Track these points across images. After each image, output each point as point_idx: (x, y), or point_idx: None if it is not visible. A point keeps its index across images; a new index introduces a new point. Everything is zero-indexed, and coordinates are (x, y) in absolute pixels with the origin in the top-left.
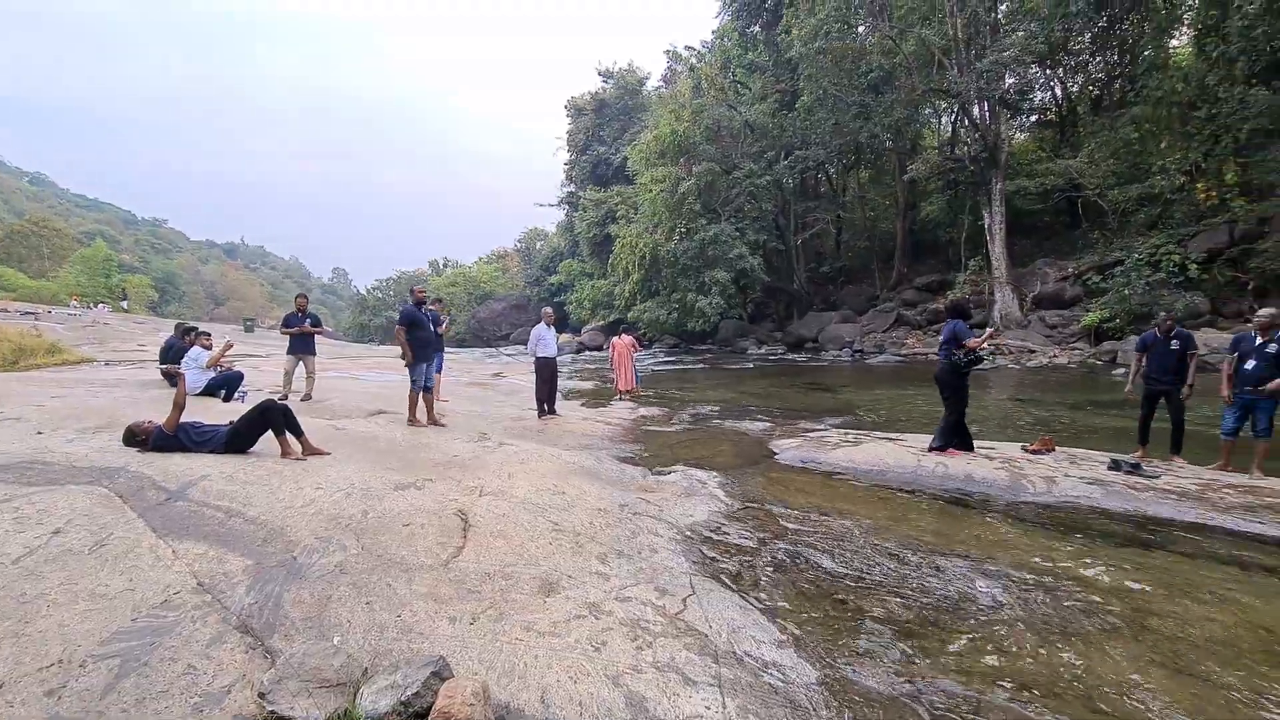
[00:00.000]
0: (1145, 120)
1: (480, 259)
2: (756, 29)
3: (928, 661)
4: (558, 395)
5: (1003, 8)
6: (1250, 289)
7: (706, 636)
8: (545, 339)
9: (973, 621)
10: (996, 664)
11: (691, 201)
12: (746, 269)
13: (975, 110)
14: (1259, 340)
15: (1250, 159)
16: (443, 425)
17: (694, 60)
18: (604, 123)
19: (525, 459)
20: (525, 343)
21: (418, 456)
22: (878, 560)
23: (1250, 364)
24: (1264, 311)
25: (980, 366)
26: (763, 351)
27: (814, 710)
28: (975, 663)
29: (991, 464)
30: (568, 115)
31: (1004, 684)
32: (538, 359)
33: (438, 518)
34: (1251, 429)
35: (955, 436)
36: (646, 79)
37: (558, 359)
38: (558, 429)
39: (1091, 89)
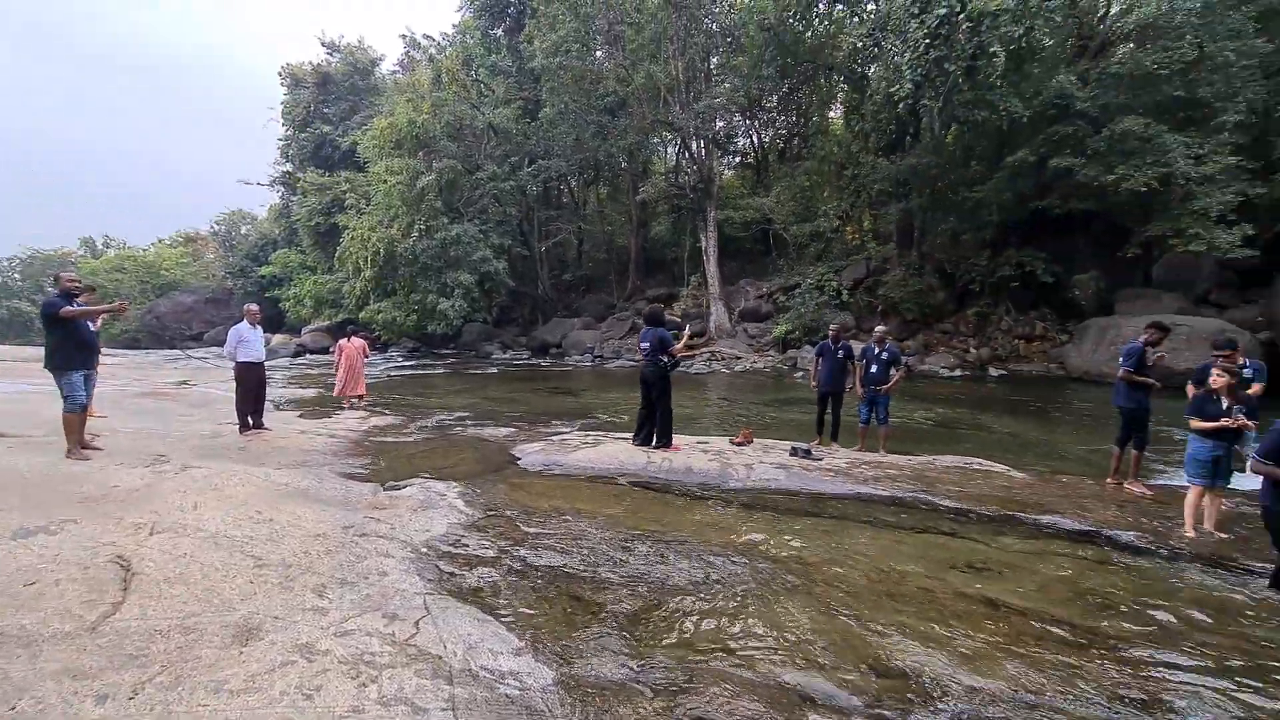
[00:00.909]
0: (813, 173)
1: (161, 241)
2: (499, 33)
3: (652, 642)
4: (266, 406)
5: (714, 60)
6: (879, 310)
7: (441, 658)
8: (249, 340)
9: (690, 598)
10: (708, 632)
11: (432, 198)
12: (491, 272)
13: (694, 145)
14: (876, 350)
15: (878, 212)
16: (97, 449)
17: (434, 51)
18: (329, 99)
19: (219, 484)
20: (224, 344)
21: (55, 492)
22: (612, 554)
23: (873, 368)
24: (879, 329)
25: (696, 370)
26: (507, 356)
27: (550, 711)
28: (691, 635)
29: (706, 456)
30: (283, 84)
31: (713, 649)
32: (239, 364)
33: (83, 569)
34: (876, 418)
35: (669, 431)
36: (380, 60)
37: (265, 363)
38: (266, 446)
39: (778, 141)
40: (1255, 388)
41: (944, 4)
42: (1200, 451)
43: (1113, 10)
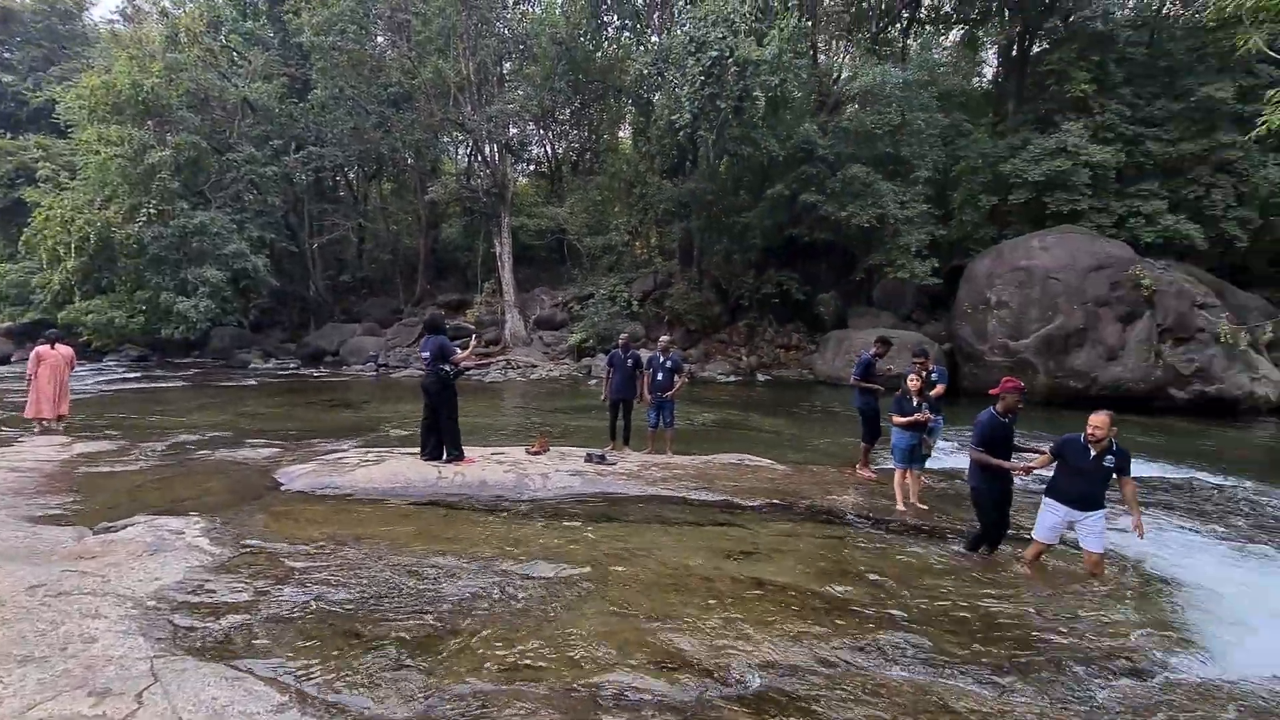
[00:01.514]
0: (605, 188)
1: None
2: None
3: (443, 672)
4: None
5: (507, 65)
6: (666, 321)
7: None
8: None
9: (485, 618)
10: (502, 650)
11: (167, 178)
12: (248, 269)
13: (487, 149)
14: (662, 359)
15: (664, 229)
16: None
17: (168, 4)
18: (12, 43)
19: None
20: None
21: None
22: (396, 581)
23: (659, 376)
24: (663, 339)
25: (492, 379)
26: (270, 365)
27: None
28: (485, 656)
29: (501, 468)
30: None
31: (509, 668)
32: None
33: None
34: (663, 422)
35: (458, 443)
36: (92, 5)
37: None
38: None
39: (571, 154)
40: (939, 388)
41: (715, 48)
42: (901, 441)
43: (843, 75)
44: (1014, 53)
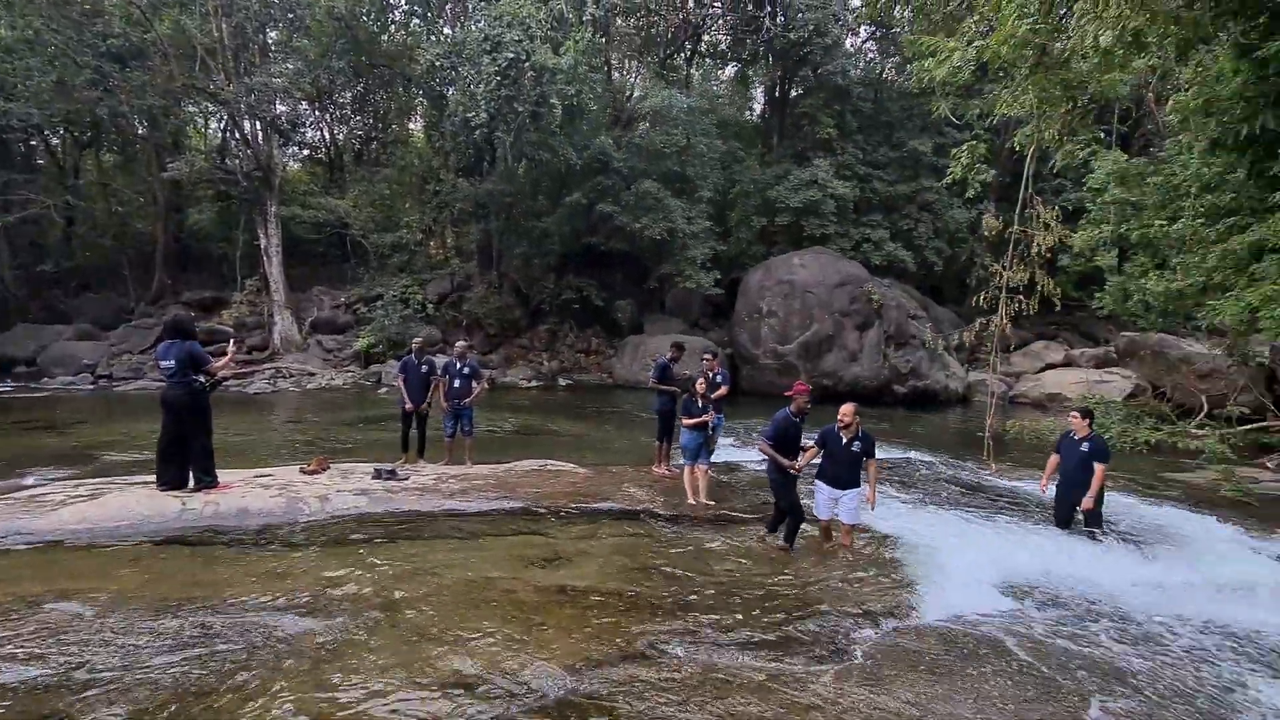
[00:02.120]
0: (394, 182)
1: None
2: None
3: None
4: None
5: (273, 34)
6: (464, 325)
7: None
8: None
9: (244, 675)
10: (263, 709)
11: None
12: None
13: (246, 125)
14: (459, 364)
15: (461, 230)
16: None
17: None
18: None
19: None
20: None
21: None
22: (122, 643)
23: (456, 382)
24: (459, 344)
25: (257, 390)
26: None
27: None
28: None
29: (268, 492)
30: None
31: None
32: None
33: None
34: (461, 431)
35: (211, 467)
36: None
37: None
38: None
39: (355, 142)
40: (722, 390)
41: (511, 50)
42: (690, 440)
43: (635, 94)
44: (777, 94)
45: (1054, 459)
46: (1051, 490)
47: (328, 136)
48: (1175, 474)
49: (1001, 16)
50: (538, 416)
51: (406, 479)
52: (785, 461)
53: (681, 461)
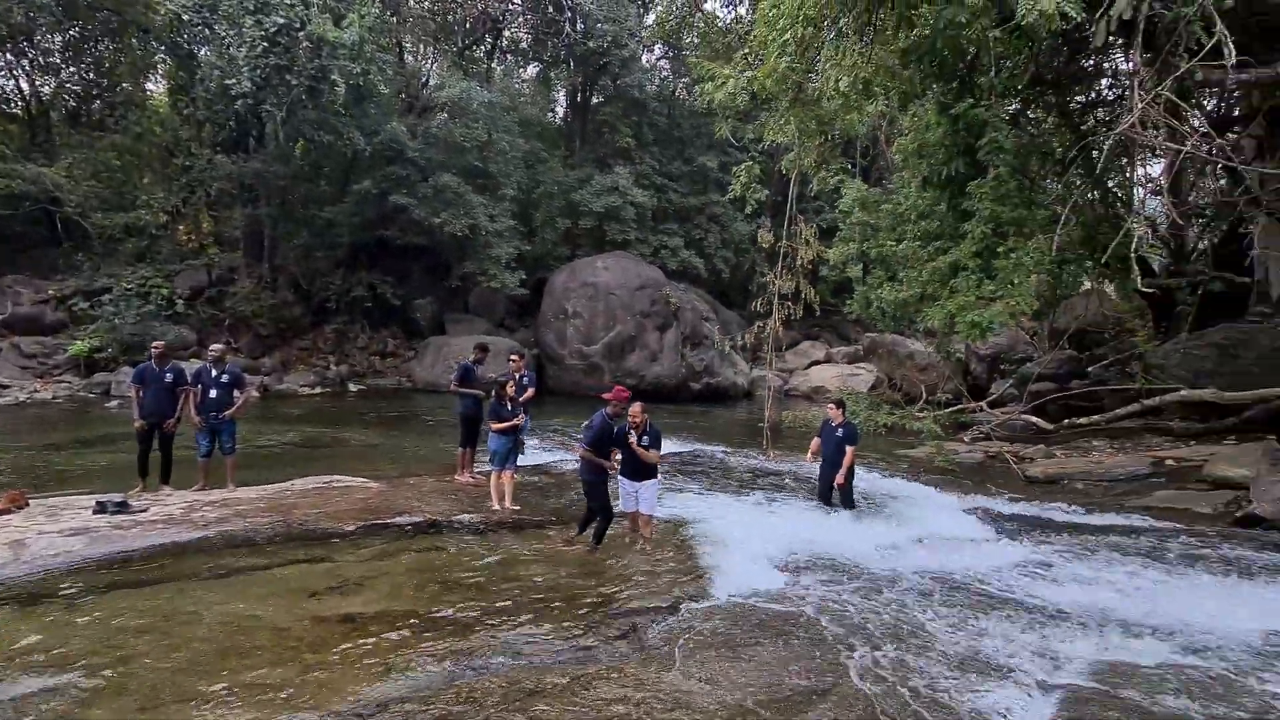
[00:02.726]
0: (127, 151)
1: None
2: None
3: None
4: None
5: None
6: (228, 325)
7: None
8: None
9: None
10: None
11: None
12: None
13: None
14: (214, 372)
15: (221, 214)
16: None
17: None
18: None
19: None
20: None
21: None
22: None
23: (212, 393)
24: (215, 347)
25: None
26: None
27: None
28: None
29: None
30: None
31: None
32: None
33: None
34: (221, 449)
35: None
36: None
37: None
38: None
39: (68, 99)
40: (530, 392)
41: (283, 14)
42: (499, 444)
43: (431, 82)
44: (579, 99)
45: (815, 441)
46: (817, 466)
47: (25, 88)
48: (905, 450)
49: (767, 53)
50: (324, 427)
51: (145, 510)
52: (605, 462)
53: (488, 467)
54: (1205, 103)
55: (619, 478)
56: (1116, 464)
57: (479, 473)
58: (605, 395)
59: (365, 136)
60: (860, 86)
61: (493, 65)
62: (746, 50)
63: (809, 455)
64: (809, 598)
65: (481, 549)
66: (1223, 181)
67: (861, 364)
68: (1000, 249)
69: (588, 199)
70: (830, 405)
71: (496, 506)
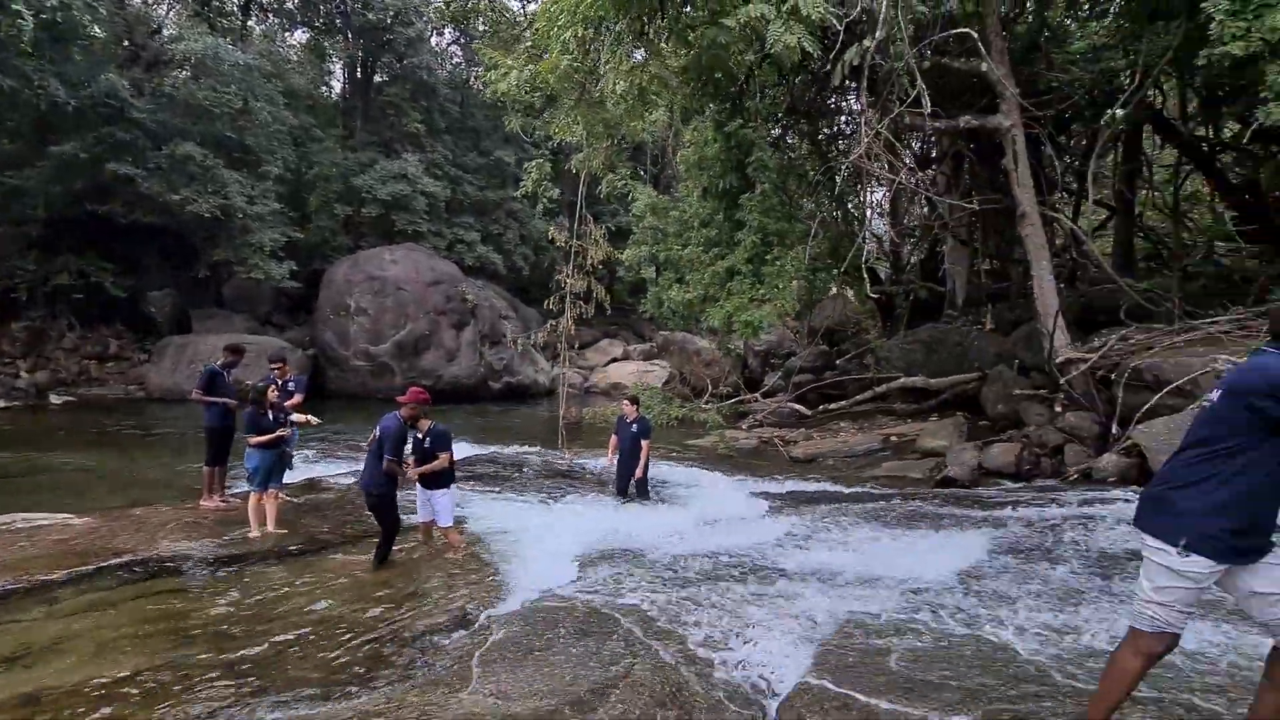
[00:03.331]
0: None
1: None
2: None
3: None
4: None
5: None
6: None
7: None
8: None
9: None
10: None
11: None
12: None
13: None
14: None
15: None
16: None
17: None
18: None
19: None
20: None
21: None
22: None
23: None
24: None
25: None
26: None
27: None
28: None
29: None
30: None
31: None
32: None
33: None
34: None
35: None
36: None
37: None
38: None
39: None
40: (296, 399)
41: None
42: (260, 460)
43: (165, 32)
44: (359, 74)
45: (614, 438)
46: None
47: None
48: (694, 440)
49: (550, 48)
50: (12, 450)
51: None
52: (403, 470)
53: (244, 488)
54: (914, 144)
55: (418, 486)
56: (857, 441)
57: (233, 494)
58: (400, 398)
59: (68, 87)
60: (637, 93)
61: (250, 24)
62: (530, 44)
63: (609, 455)
64: (605, 590)
65: (234, 587)
66: (926, 209)
67: (656, 360)
68: (769, 256)
69: (372, 185)
70: (625, 402)
71: (255, 533)
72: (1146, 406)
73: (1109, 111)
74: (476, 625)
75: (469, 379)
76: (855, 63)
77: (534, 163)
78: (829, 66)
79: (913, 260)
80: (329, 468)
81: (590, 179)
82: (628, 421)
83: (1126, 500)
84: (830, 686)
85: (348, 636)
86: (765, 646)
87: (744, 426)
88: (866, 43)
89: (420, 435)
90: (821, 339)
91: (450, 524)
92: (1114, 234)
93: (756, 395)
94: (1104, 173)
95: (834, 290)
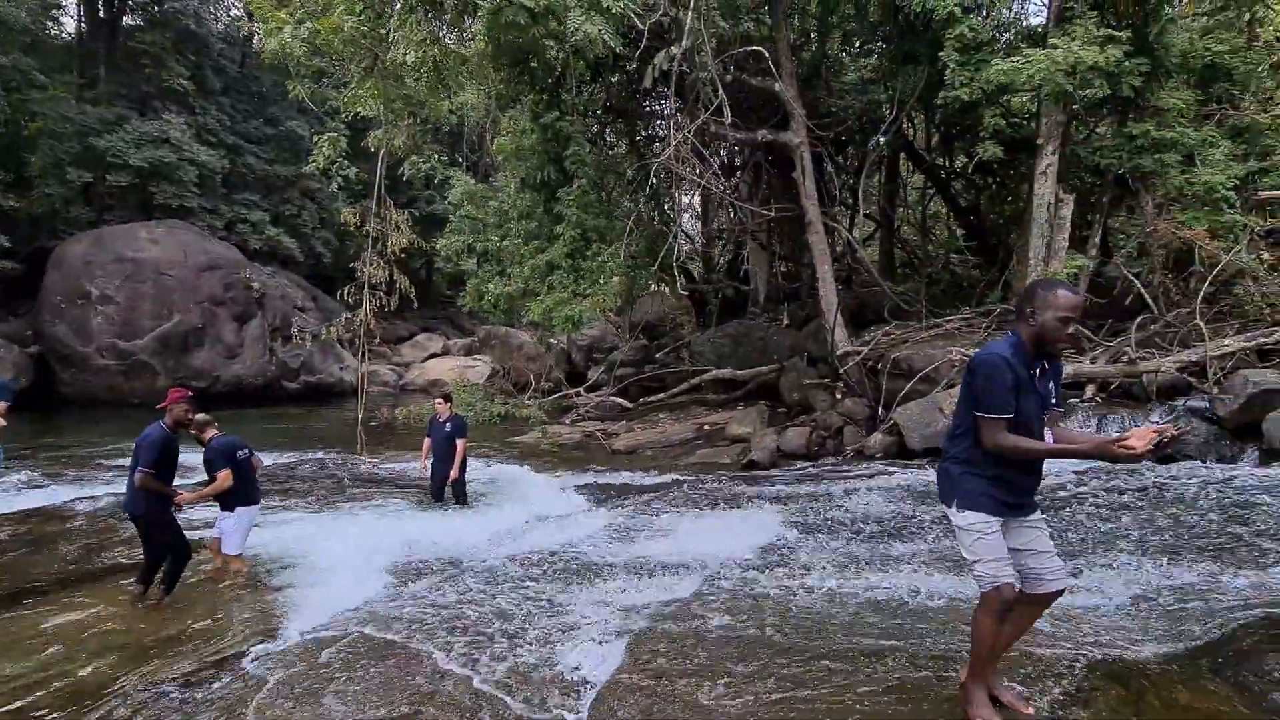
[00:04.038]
0: None
1: None
2: None
3: None
4: None
5: None
6: None
7: None
8: None
9: None
10: None
11: None
12: None
13: None
14: None
15: None
16: None
17: None
18: None
19: None
20: None
21: None
22: None
23: None
24: None
25: None
26: None
27: None
28: None
29: None
30: None
31: None
32: None
33: None
34: None
35: None
36: None
37: None
38: None
39: None
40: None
41: None
42: None
43: None
44: (100, 13)
45: (427, 441)
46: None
47: None
48: (517, 437)
49: (333, 3)
50: None
51: None
52: (171, 492)
53: None
54: (721, 152)
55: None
56: (675, 431)
57: None
58: (160, 404)
59: None
60: (433, 68)
61: None
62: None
63: (422, 458)
64: (413, 606)
65: None
66: (732, 213)
67: (478, 356)
68: (588, 252)
69: (121, 148)
70: (438, 400)
71: None
72: (903, 392)
73: (874, 138)
74: (252, 666)
75: (256, 378)
76: (664, 68)
77: (326, 136)
78: (639, 69)
79: (722, 261)
80: (58, 493)
81: (392, 160)
82: (441, 421)
83: (887, 473)
84: (639, 680)
85: (74, 696)
86: (583, 646)
87: (567, 421)
88: (674, 50)
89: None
90: (642, 334)
91: (234, 551)
92: (880, 244)
93: (579, 390)
94: (872, 190)
95: (653, 287)
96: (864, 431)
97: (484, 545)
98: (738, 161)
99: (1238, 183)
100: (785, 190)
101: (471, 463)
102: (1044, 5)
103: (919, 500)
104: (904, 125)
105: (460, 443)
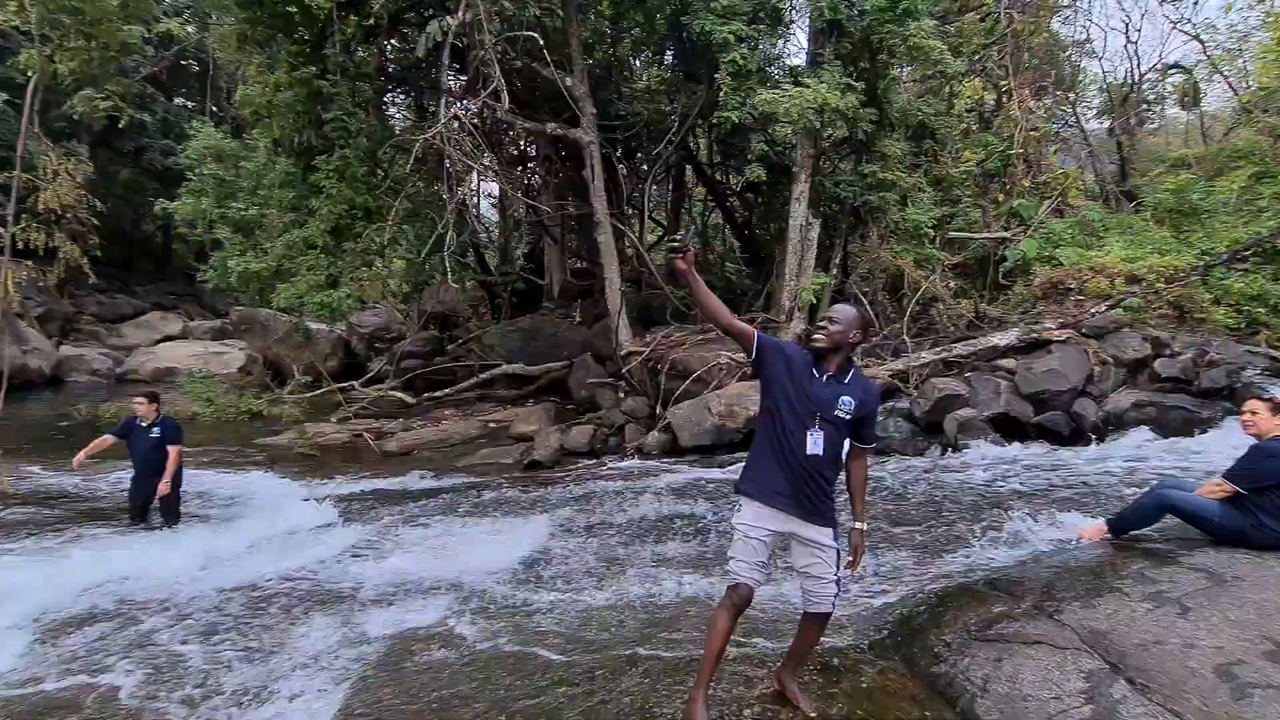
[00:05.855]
0: None
1: None
2: None
3: None
4: None
5: None
6: None
7: None
8: None
9: None
10: None
11: None
12: None
13: None
14: None
15: None
16: None
17: None
18: None
19: None
20: None
21: None
22: None
23: None
24: None
25: None
26: None
27: None
28: None
29: None
30: None
31: None
32: None
33: None
34: None
35: None
36: None
37: None
38: None
39: None
40: None
41: None
42: None
43: None
44: None
45: (105, 439)
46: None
47: None
48: (267, 438)
49: None
50: None
51: None
52: None
53: None
54: (520, 141)
55: None
56: (458, 430)
57: None
58: None
59: None
60: None
61: None
62: None
63: (79, 456)
64: (59, 674)
65: None
66: (524, 207)
67: (231, 341)
68: (354, 231)
69: None
70: (137, 400)
71: None
72: (678, 392)
73: (658, 148)
74: None
75: None
76: (438, 38)
77: None
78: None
79: (519, 252)
80: None
81: (53, 85)
82: (143, 425)
83: (654, 474)
84: None
85: None
86: (300, 696)
87: (334, 419)
88: (450, 21)
89: None
90: (432, 324)
91: None
92: (666, 249)
93: (354, 383)
94: (663, 198)
95: (438, 277)
96: (644, 429)
97: (190, 576)
98: (530, 153)
99: (936, 222)
100: (579, 188)
101: (203, 472)
102: (803, 48)
103: (679, 498)
104: (689, 139)
105: (173, 450)
